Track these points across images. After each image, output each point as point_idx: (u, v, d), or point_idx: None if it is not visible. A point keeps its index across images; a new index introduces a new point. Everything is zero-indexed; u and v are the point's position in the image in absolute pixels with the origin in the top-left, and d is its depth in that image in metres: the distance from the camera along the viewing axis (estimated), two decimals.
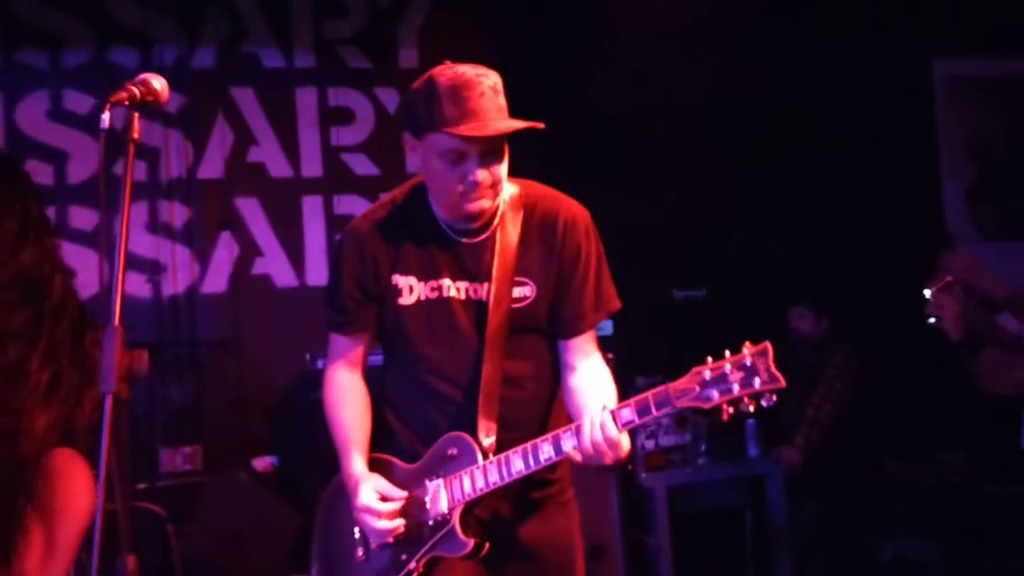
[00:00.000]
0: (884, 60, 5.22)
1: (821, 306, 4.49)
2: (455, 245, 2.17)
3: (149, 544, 3.84)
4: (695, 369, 1.90)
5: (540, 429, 2.14)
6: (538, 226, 2.16)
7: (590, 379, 2.13)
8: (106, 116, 1.66)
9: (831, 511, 4.37)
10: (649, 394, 1.92)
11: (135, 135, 1.69)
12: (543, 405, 2.22)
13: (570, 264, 2.16)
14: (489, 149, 2.02)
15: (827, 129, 5.14)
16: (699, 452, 4.23)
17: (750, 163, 5.10)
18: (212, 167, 4.77)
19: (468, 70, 2.03)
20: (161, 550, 3.86)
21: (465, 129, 1.97)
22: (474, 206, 2.07)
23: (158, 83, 1.75)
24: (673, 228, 4.98)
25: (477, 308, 2.16)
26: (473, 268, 2.16)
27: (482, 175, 2.03)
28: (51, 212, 4.56)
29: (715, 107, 5.04)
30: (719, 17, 4.88)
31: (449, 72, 2.03)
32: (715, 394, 1.87)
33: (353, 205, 4.94)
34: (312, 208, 4.89)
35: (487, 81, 2.03)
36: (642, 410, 1.91)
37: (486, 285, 2.14)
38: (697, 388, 1.88)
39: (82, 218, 4.59)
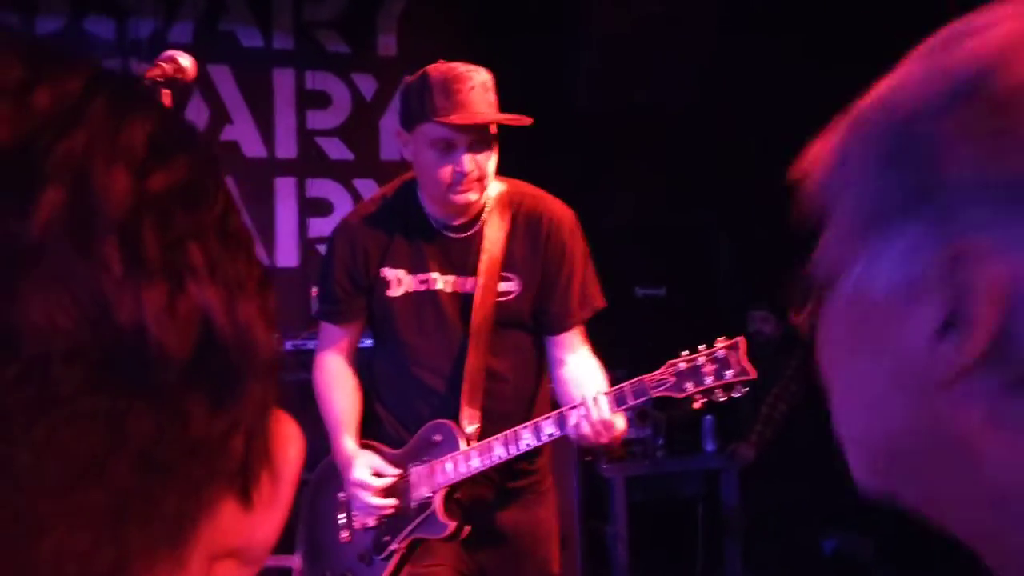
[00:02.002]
0: (851, 66, 5.38)
1: (781, 308, 4.65)
2: (443, 239, 2.25)
3: None
4: (670, 362, 2.02)
5: (523, 421, 2.22)
6: (524, 223, 2.24)
7: (580, 370, 2.22)
8: None
9: (780, 504, 4.54)
10: (627, 384, 2.03)
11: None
12: (526, 398, 2.30)
13: (555, 262, 2.24)
14: (477, 140, 2.10)
15: (794, 130, 5.28)
16: (658, 446, 4.36)
17: (716, 165, 5.23)
18: None
19: (460, 66, 2.15)
20: None
21: (455, 118, 2.05)
22: (461, 198, 2.14)
23: (185, 60, 1.81)
24: (637, 227, 5.09)
25: (463, 301, 2.23)
26: (460, 262, 2.24)
27: (469, 165, 2.11)
28: None
29: (684, 108, 5.16)
30: (690, 19, 4.99)
31: (442, 67, 2.15)
32: (689, 385, 1.99)
33: (326, 189, 4.96)
34: (285, 190, 4.90)
35: (478, 77, 2.13)
36: (619, 398, 2.02)
37: (472, 279, 2.22)
38: (672, 379, 2.00)
39: None
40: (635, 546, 4.28)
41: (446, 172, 2.13)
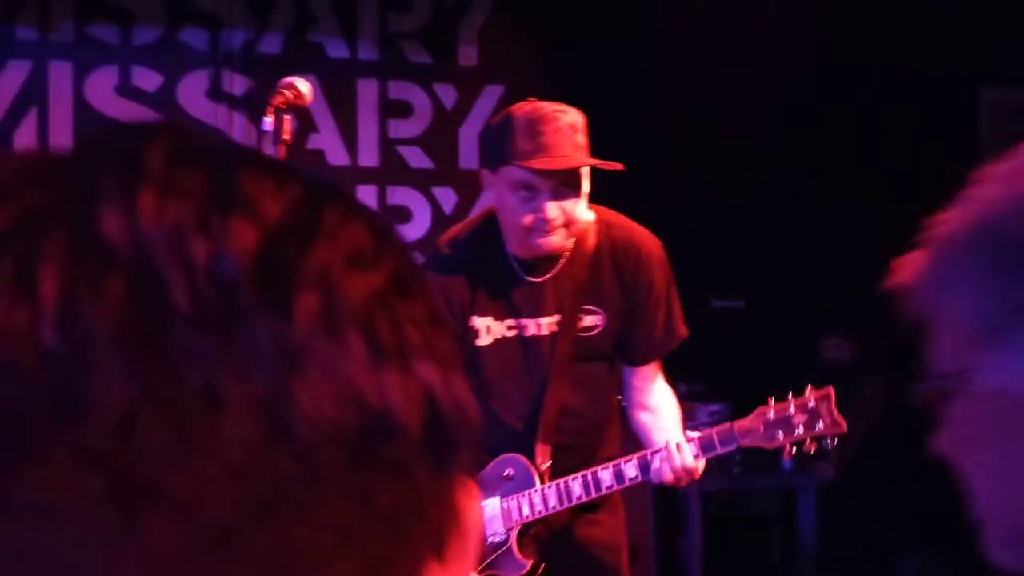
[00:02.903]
0: (929, 86, 5.28)
1: (857, 333, 4.57)
2: (527, 283, 2.23)
3: None
4: (759, 409, 1.99)
5: (594, 451, 2.21)
6: (610, 255, 2.20)
7: (658, 403, 2.20)
8: (269, 120, 1.78)
9: (857, 526, 4.45)
10: (714, 431, 2.01)
11: (286, 136, 1.81)
12: (598, 430, 2.29)
13: (642, 296, 2.21)
14: (562, 184, 2.06)
15: (868, 153, 5.20)
16: (735, 461, 4.31)
17: (791, 183, 5.17)
18: (271, 150, 4.87)
19: (547, 106, 2.08)
20: None
21: (536, 162, 2.01)
22: (545, 242, 2.11)
23: (304, 86, 1.88)
24: (715, 237, 5.06)
25: (547, 341, 2.23)
26: (544, 302, 2.23)
27: (553, 211, 2.07)
28: None
29: (761, 123, 5.11)
30: (765, 31, 4.95)
31: (527, 107, 2.09)
32: (780, 435, 1.97)
33: (406, 196, 5.04)
34: (366, 197, 4.99)
35: (565, 118, 2.06)
36: (706, 446, 2.00)
37: (557, 317, 2.22)
38: (762, 428, 1.97)
39: None
40: (709, 561, 4.24)
41: (529, 217, 2.09)
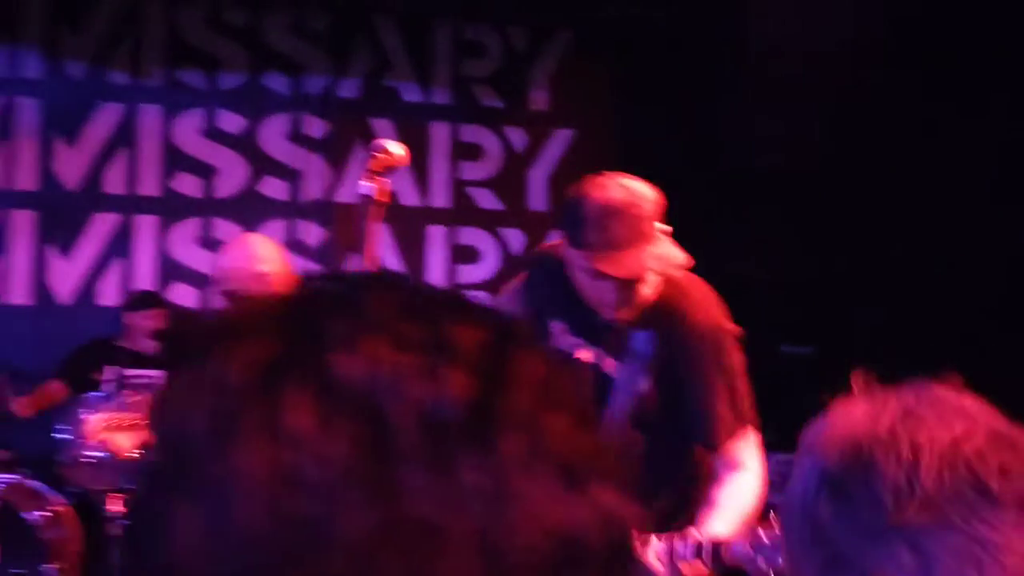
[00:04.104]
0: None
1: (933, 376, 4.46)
2: (599, 322, 2.23)
3: None
4: (752, 528, 1.93)
5: (673, 515, 2.17)
6: (668, 330, 2.14)
7: (716, 499, 2.14)
8: (369, 185, 1.88)
9: None
10: (708, 542, 1.96)
11: (384, 198, 1.91)
12: (668, 492, 2.25)
13: (683, 368, 2.13)
14: (625, 280, 2.03)
15: (951, 201, 5.11)
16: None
17: (866, 227, 5.11)
18: (348, 192, 5.02)
19: (617, 195, 2.00)
20: None
21: (601, 262, 2.00)
22: (607, 315, 2.12)
23: (397, 148, 1.98)
24: (785, 283, 5.02)
25: (610, 382, 2.23)
26: (606, 342, 2.24)
27: (617, 300, 2.07)
28: (196, 223, 4.88)
29: (828, 171, 5.07)
30: (831, 80, 4.93)
31: (598, 194, 2.01)
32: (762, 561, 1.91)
33: (475, 237, 5.13)
34: (436, 237, 5.10)
35: (634, 210, 2.00)
36: (687, 553, 1.95)
37: (613, 361, 2.22)
38: (751, 550, 1.91)
39: (225, 230, 4.89)
40: None
41: (594, 293, 2.10)
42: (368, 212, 2.00)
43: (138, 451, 3.56)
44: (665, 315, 2.16)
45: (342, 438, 0.37)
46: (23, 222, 4.72)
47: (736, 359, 2.18)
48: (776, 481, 4.40)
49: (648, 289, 2.11)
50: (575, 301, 2.19)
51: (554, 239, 2.36)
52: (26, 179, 4.73)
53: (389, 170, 1.99)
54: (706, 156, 5.06)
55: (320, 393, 0.38)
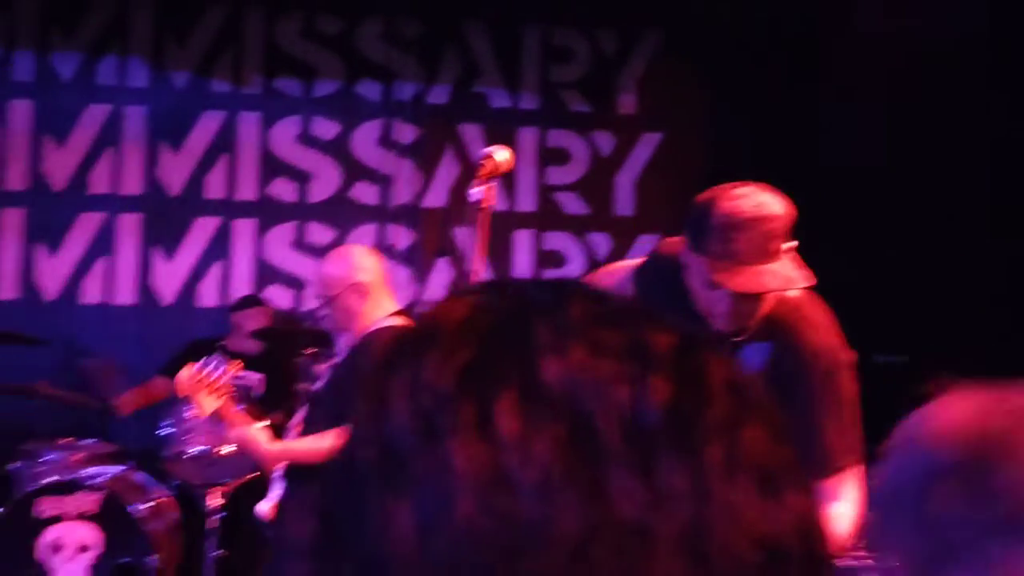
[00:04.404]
0: None
1: None
2: (708, 331, 2.15)
3: None
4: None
5: None
6: (781, 350, 2.07)
7: None
8: (478, 190, 1.93)
9: None
10: None
11: (490, 203, 1.96)
12: None
13: (807, 402, 2.03)
14: (744, 296, 1.96)
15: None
16: None
17: (971, 231, 4.95)
18: (436, 196, 5.11)
19: (748, 206, 1.94)
20: None
21: (721, 272, 1.94)
22: (718, 326, 2.04)
23: (503, 155, 2.03)
24: (879, 289, 4.90)
25: None
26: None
27: (729, 312, 2.00)
28: (291, 227, 5.03)
29: (929, 173, 4.93)
30: (933, 89, 4.79)
31: (728, 204, 1.95)
32: None
33: (561, 242, 5.16)
34: (522, 242, 5.15)
35: (762, 227, 1.94)
36: None
37: None
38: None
39: (318, 234, 5.03)
40: None
41: (708, 302, 2.03)
42: (477, 218, 2.04)
43: (233, 448, 3.68)
44: (779, 333, 2.08)
45: (548, 440, 0.39)
46: (129, 225, 4.95)
47: (849, 387, 2.08)
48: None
49: (765, 305, 2.03)
50: (685, 305, 2.12)
51: (668, 239, 2.27)
52: (133, 184, 4.96)
53: (496, 176, 2.04)
54: (803, 157, 4.97)
55: (525, 396, 0.40)
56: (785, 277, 1.97)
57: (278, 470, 3.07)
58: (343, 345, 3.09)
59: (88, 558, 3.58)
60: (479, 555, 0.38)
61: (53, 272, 4.87)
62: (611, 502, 0.38)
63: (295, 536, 2.83)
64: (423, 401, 0.41)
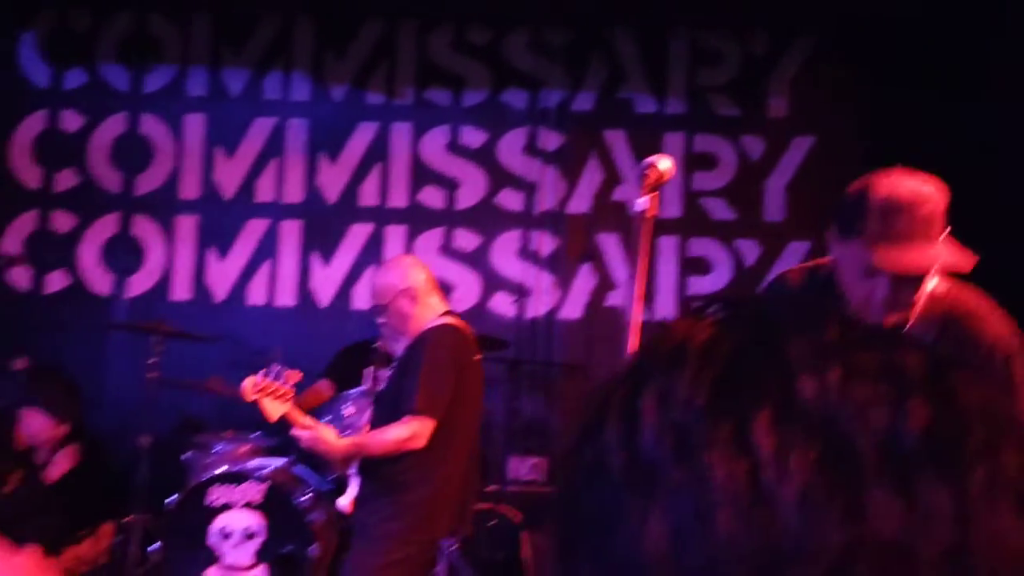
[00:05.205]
0: None
1: None
2: None
3: (499, 545, 4.24)
4: None
5: None
6: (954, 341, 2.00)
7: None
8: (643, 200, 1.97)
9: None
10: None
11: (653, 213, 1.99)
12: None
13: None
14: (904, 277, 1.93)
15: None
16: None
17: None
18: (580, 202, 5.13)
19: (905, 190, 1.92)
20: (505, 552, 4.23)
21: (880, 253, 1.90)
22: (875, 319, 1.97)
23: (666, 163, 2.06)
24: None
25: None
26: None
27: (888, 301, 1.96)
28: (439, 233, 5.17)
29: None
30: None
31: (886, 187, 1.93)
32: None
33: (707, 248, 5.07)
34: (667, 248, 5.09)
35: (922, 208, 1.91)
36: None
37: None
38: None
39: (465, 240, 5.15)
40: None
41: (863, 295, 1.99)
42: (642, 227, 2.07)
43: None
44: (949, 325, 2.02)
45: (804, 458, 0.40)
46: (290, 231, 5.23)
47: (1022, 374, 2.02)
48: None
49: (925, 293, 1.99)
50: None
51: (818, 261, 2.26)
52: (294, 192, 5.24)
53: (661, 185, 2.06)
54: (968, 159, 4.69)
55: (781, 414, 0.41)
56: (946, 257, 1.92)
57: (352, 466, 3.23)
58: (400, 348, 3.27)
59: (254, 545, 3.75)
60: (736, 565, 0.40)
61: (222, 275, 5.21)
62: (870, 521, 0.39)
63: None
64: (675, 415, 0.43)
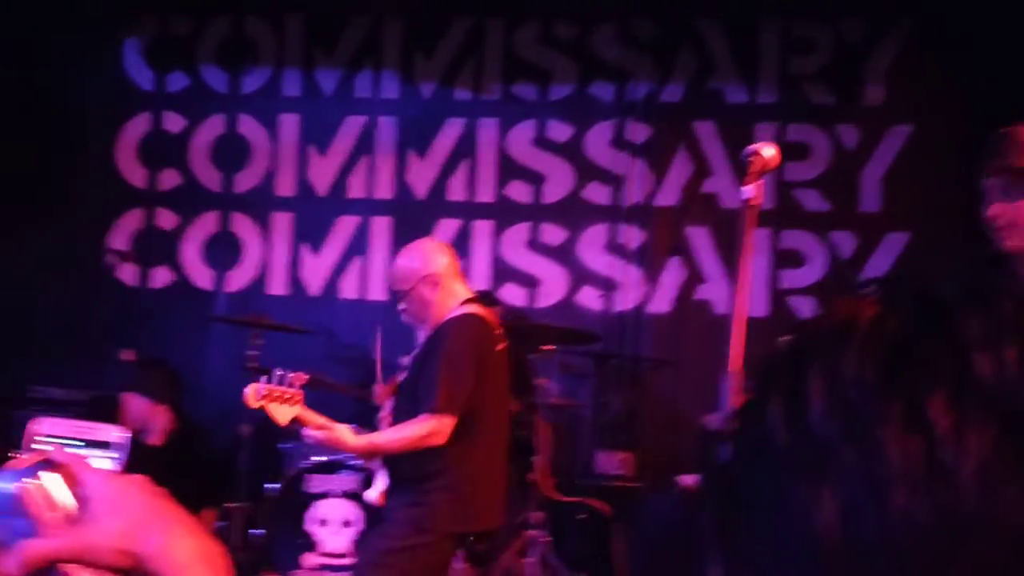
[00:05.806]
0: None
1: None
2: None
3: (588, 538, 4.24)
4: None
5: None
6: None
7: None
8: (748, 188, 1.96)
9: None
10: None
11: (758, 201, 1.98)
12: None
13: None
14: (1012, 185, 1.92)
15: None
16: None
17: None
18: (669, 195, 5.08)
19: None
20: (595, 546, 4.23)
21: (987, 164, 1.92)
22: (997, 245, 1.96)
23: (769, 151, 2.03)
24: None
25: None
26: None
27: (993, 210, 1.94)
28: (526, 227, 5.19)
29: None
30: None
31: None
32: None
33: (799, 240, 4.96)
34: (759, 240, 4.99)
35: None
36: None
37: None
38: None
39: (552, 234, 5.16)
40: None
41: (1012, 215, 1.97)
42: (747, 217, 2.05)
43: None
44: None
45: (982, 435, 0.40)
46: (381, 227, 5.33)
47: None
48: None
49: None
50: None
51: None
52: (384, 188, 5.33)
53: (766, 173, 2.03)
54: None
55: (957, 391, 0.41)
56: None
57: (376, 461, 3.21)
58: (422, 336, 3.19)
59: (351, 533, 3.83)
60: (914, 543, 0.40)
61: (316, 270, 5.34)
62: None
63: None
64: (846, 393, 0.43)
